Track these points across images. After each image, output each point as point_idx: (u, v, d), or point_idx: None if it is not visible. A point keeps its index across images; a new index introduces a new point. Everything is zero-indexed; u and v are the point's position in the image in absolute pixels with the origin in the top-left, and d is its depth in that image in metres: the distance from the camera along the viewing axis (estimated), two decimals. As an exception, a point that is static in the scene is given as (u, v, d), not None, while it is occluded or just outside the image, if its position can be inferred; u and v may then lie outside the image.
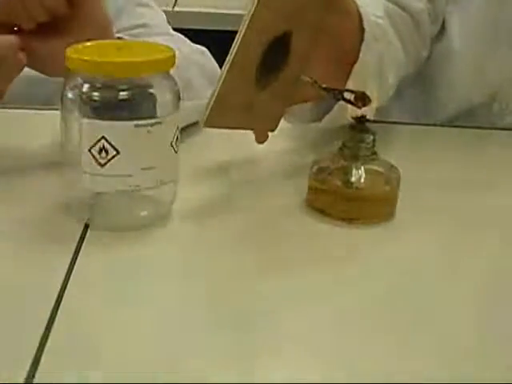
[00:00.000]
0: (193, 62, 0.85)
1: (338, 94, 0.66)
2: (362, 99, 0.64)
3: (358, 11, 0.73)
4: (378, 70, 0.77)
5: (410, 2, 0.89)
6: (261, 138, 0.73)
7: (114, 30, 0.93)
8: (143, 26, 0.95)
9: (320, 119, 0.77)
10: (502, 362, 0.50)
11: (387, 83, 0.81)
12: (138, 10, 0.97)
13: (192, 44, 0.96)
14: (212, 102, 0.62)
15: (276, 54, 0.64)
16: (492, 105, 0.98)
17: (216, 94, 0.62)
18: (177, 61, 0.62)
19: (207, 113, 0.62)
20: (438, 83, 0.99)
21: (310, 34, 0.66)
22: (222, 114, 0.63)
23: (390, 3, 0.86)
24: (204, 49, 0.95)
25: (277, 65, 0.65)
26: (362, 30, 0.72)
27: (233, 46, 0.62)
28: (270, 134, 0.74)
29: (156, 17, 0.99)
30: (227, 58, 0.62)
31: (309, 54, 0.68)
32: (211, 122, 0.63)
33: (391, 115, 0.99)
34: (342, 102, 0.66)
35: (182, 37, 0.98)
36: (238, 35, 0.61)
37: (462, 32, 0.95)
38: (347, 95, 0.65)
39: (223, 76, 0.61)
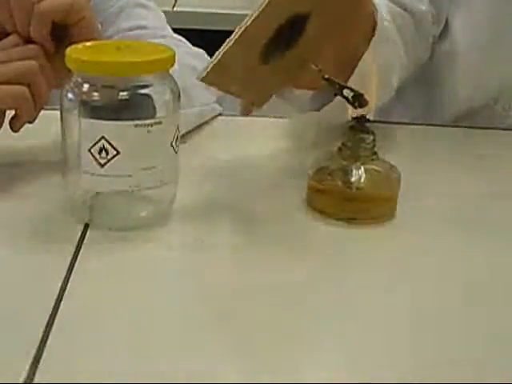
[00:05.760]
0: (187, 67, 0.85)
1: (338, 89, 0.65)
2: (359, 100, 0.64)
3: (374, 11, 0.72)
4: (383, 70, 0.77)
5: (412, 3, 0.89)
6: (246, 111, 0.73)
7: (114, 30, 0.94)
8: (141, 27, 0.95)
9: (318, 109, 0.77)
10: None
11: (390, 84, 0.81)
12: (137, 11, 0.97)
13: (190, 47, 0.96)
14: (215, 61, 0.61)
15: (289, 33, 0.64)
16: (494, 106, 0.98)
17: (221, 54, 0.61)
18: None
19: (208, 69, 0.61)
20: (441, 84, 0.99)
21: (328, 23, 0.66)
22: (220, 74, 0.62)
23: (393, 4, 0.86)
24: (201, 51, 0.95)
25: (286, 43, 0.65)
26: (373, 29, 0.72)
27: (251, 12, 0.61)
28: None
29: (155, 18, 0.99)
30: (242, 22, 0.61)
31: (321, 43, 0.67)
32: (208, 79, 0.62)
33: (392, 116, 0.99)
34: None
35: (181, 39, 0.97)
36: (259, 5, 0.60)
37: (464, 33, 0.95)
38: (346, 92, 0.64)
39: (233, 39, 0.61)
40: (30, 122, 0.69)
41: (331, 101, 0.75)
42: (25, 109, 0.67)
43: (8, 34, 0.69)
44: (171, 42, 0.90)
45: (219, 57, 0.60)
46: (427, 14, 0.91)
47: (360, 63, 0.71)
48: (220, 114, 0.90)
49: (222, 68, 0.61)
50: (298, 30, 0.64)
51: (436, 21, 0.94)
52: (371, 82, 0.66)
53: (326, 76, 0.65)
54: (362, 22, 0.71)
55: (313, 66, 0.65)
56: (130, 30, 0.94)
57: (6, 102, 0.67)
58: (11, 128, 0.68)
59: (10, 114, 0.68)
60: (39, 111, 0.69)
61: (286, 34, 0.63)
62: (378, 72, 0.73)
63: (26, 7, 0.67)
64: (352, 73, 0.71)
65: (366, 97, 0.64)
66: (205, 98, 0.88)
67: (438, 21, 0.94)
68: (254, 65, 0.64)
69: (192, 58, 0.90)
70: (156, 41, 0.80)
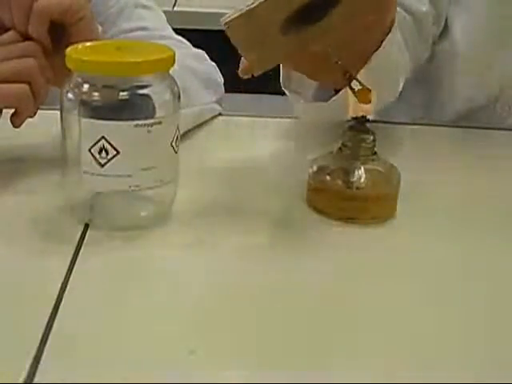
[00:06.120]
0: (187, 68, 0.85)
1: (347, 78, 0.64)
2: (364, 95, 0.63)
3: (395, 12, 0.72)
4: (393, 70, 0.77)
5: (412, 4, 0.89)
6: (244, 73, 0.72)
7: (114, 32, 0.94)
8: (142, 28, 0.95)
9: (323, 100, 0.76)
10: None
11: (397, 84, 0.81)
12: (137, 11, 0.97)
13: (191, 48, 0.96)
14: (245, 10, 0.60)
15: (314, 11, 0.63)
16: (495, 106, 0.98)
17: (254, 6, 0.60)
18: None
19: (235, 16, 0.60)
20: (441, 84, 0.99)
21: (352, 14, 0.65)
22: (242, 25, 0.61)
23: None
24: (201, 52, 0.95)
25: (308, 21, 0.64)
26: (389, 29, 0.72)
27: None
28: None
29: (156, 19, 0.99)
30: None
31: (342, 31, 0.66)
32: (230, 25, 0.61)
33: (392, 115, 0.99)
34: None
35: (182, 40, 0.97)
36: None
37: (464, 33, 0.95)
38: (355, 84, 0.64)
39: None
40: (31, 117, 0.70)
41: (335, 95, 0.74)
42: (26, 106, 0.68)
43: (7, 30, 0.69)
44: (172, 43, 0.90)
45: (250, 8, 0.59)
46: (427, 14, 0.91)
47: (372, 60, 0.70)
48: (220, 114, 0.91)
49: (248, 20, 0.60)
50: (323, 11, 0.63)
51: (436, 21, 0.94)
52: (379, 80, 0.66)
53: (340, 62, 0.64)
54: (385, 19, 0.71)
55: (329, 50, 0.64)
56: (131, 31, 0.94)
57: (8, 101, 0.67)
58: (12, 124, 0.69)
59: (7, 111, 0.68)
60: (38, 107, 0.69)
61: (310, 11, 0.62)
62: (388, 72, 0.72)
63: (25, 4, 0.67)
64: (362, 67, 0.70)
65: (372, 95, 0.63)
66: (204, 98, 0.88)
67: (438, 21, 0.95)
68: (273, 30, 0.63)
69: (192, 60, 0.90)
70: (157, 42, 0.81)
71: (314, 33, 0.64)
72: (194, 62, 0.90)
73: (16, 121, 0.69)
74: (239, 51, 0.64)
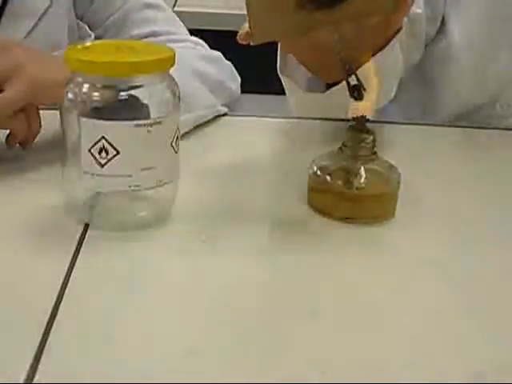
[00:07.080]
0: (193, 70, 0.85)
1: (346, 71, 0.64)
2: (358, 91, 0.63)
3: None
4: (390, 72, 0.77)
5: None
6: (243, 39, 0.71)
7: (124, 39, 0.94)
8: (153, 34, 0.94)
9: (316, 90, 0.76)
10: None
11: (391, 87, 0.81)
12: (145, 13, 0.96)
13: (205, 49, 0.95)
14: None
15: None
16: (494, 106, 0.98)
17: None
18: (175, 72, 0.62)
19: None
20: (439, 84, 0.99)
21: (367, 9, 0.65)
22: None
23: None
24: (215, 53, 0.94)
25: (322, 6, 0.63)
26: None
27: None
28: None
29: (165, 19, 0.98)
30: None
31: (352, 25, 0.66)
32: None
33: (391, 115, 0.99)
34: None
35: (198, 40, 0.96)
36: None
37: (462, 33, 0.95)
38: (351, 79, 0.64)
39: None
40: (24, 148, 0.74)
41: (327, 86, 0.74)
42: (19, 128, 0.71)
43: None
44: (185, 46, 0.89)
45: None
46: (421, 15, 0.91)
47: (372, 61, 0.70)
48: (225, 114, 0.90)
49: None
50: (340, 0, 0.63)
51: (431, 22, 0.94)
52: (375, 81, 0.66)
53: (342, 54, 0.64)
54: (397, 20, 0.70)
55: (335, 39, 0.64)
56: (143, 37, 0.94)
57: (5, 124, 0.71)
58: (7, 144, 0.73)
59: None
60: (35, 134, 0.73)
61: None
62: (385, 73, 0.72)
63: None
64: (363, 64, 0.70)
65: (366, 94, 0.63)
66: (209, 101, 0.87)
67: (433, 22, 0.95)
68: (287, 5, 0.62)
69: (202, 62, 0.89)
70: (170, 45, 0.80)
71: (325, 18, 0.63)
72: (205, 65, 0.89)
73: (10, 141, 0.73)
74: (247, 14, 0.63)
